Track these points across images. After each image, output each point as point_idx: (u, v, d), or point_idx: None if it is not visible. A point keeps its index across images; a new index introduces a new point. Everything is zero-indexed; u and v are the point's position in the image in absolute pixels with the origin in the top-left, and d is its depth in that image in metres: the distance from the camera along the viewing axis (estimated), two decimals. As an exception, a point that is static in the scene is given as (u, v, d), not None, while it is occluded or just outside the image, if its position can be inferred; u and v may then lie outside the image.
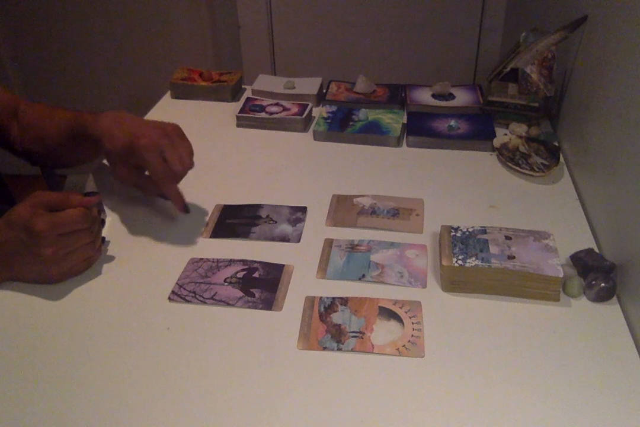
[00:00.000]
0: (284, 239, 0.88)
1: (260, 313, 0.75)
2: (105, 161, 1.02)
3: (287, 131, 1.19)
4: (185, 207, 0.88)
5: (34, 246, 0.73)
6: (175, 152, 0.83)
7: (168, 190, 0.85)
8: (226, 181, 1.02)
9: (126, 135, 0.83)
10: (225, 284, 0.79)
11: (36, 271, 0.76)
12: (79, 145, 0.93)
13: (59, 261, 0.75)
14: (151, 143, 0.81)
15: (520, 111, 1.16)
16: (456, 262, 0.76)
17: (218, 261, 0.83)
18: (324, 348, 0.69)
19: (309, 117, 1.21)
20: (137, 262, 0.83)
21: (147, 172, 0.85)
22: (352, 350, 0.69)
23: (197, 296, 0.77)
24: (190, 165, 0.86)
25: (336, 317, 0.73)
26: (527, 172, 1.01)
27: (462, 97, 1.26)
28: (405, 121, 1.19)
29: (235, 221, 0.92)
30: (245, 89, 1.37)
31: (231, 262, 0.83)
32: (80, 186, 1.02)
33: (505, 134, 1.12)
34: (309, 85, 1.31)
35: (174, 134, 0.85)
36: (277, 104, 1.24)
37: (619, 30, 0.90)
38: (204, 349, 0.69)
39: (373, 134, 1.14)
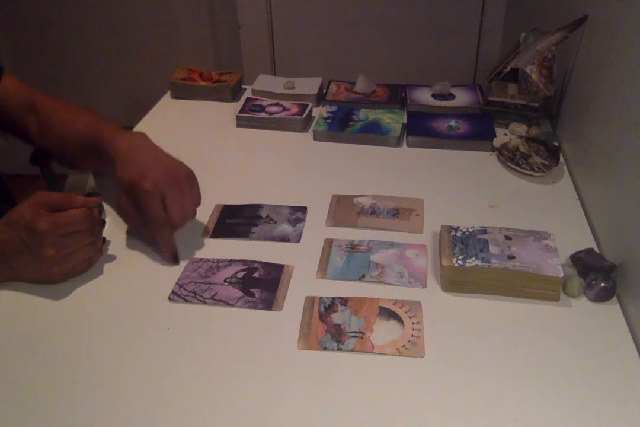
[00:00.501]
0: (284, 239, 0.88)
1: (260, 313, 0.75)
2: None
3: (287, 131, 1.19)
4: (175, 258, 0.82)
5: (36, 246, 0.73)
6: (178, 200, 0.80)
7: (160, 236, 0.81)
8: (226, 181, 1.02)
9: (135, 170, 0.80)
10: (225, 284, 0.79)
11: (38, 271, 0.76)
12: (93, 157, 0.90)
13: (60, 261, 0.75)
14: (154, 188, 0.78)
15: (520, 111, 1.16)
16: (456, 262, 0.76)
17: (218, 261, 0.83)
18: (324, 348, 0.69)
19: (309, 117, 1.21)
20: (137, 262, 0.83)
21: None
22: (352, 350, 0.69)
23: (197, 296, 0.77)
24: (192, 216, 0.84)
25: (336, 317, 0.73)
26: (527, 172, 1.02)
27: (462, 97, 1.26)
28: (405, 121, 1.19)
29: (235, 220, 0.92)
30: (245, 89, 1.37)
31: (231, 262, 0.83)
32: (81, 186, 1.02)
33: (505, 134, 1.12)
34: (309, 85, 1.31)
35: (184, 181, 0.81)
36: (277, 104, 1.24)
37: (619, 30, 0.90)
38: (204, 349, 0.69)
39: (373, 134, 1.14)
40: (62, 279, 0.78)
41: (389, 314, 0.74)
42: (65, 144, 0.96)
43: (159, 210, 0.79)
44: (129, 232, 0.88)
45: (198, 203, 0.85)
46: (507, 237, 0.80)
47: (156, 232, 0.81)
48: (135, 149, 0.83)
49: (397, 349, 0.69)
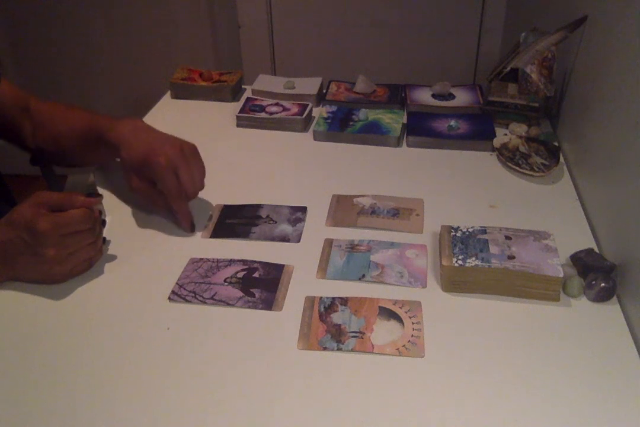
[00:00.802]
0: (284, 239, 0.88)
1: (260, 313, 0.75)
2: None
3: (287, 131, 1.19)
4: (192, 226, 0.89)
5: (37, 246, 0.73)
6: (189, 172, 0.85)
7: (178, 207, 0.86)
8: (226, 181, 1.02)
9: (143, 148, 0.84)
10: (225, 284, 0.79)
11: (38, 271, 0.76)
12: (93, 149, 0.93)
13: (61, 261, 0.75)
14: (167, 161, 0.82)
15: (520, 111, 1.16)
16: (456, 262, 0.76)
17: (218, 261, 0.83)
18: (324, 348, 0.69)
19: (309, 117, 1.21)
20: (137, 262, 0.83)
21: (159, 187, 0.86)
22: (352, 350, 0.69)
23: (197, 296, 0.77)
24: (202, 186, 0.89)
25: (336, 317, 0.73)
26: (527, 172, 1.02)
27: (462, 97, 1.27)
28: (405, 121, 1.19)
29: (235, 220, 0.92)
30: (245, 89, 1.37)
31: (231, 262, 0.83)
32: (81, 186, 1.02)
33: (505, 134, 1.12)
34: (309, 85, 1.31)
35: (190, 154, 0.86)
36: (277, 104, 1.24)
37: (619, 30, 0.90)
38: (204, 349, 0.69)
39: (373, 134, 1.14)
40: (62, 279, 0.78)
41: (389, 314, 0.74)
42: (62, 141, 0.96)
43: (174, 181, 0.83)
44: (147, 209, 0.93)
45: (204, 174, 0.89)
46: (507, 237, 0.80)
47: (173, 203, 0.86)
48: (138, 131, 0.87)
49: (397, 349, 0.69)
